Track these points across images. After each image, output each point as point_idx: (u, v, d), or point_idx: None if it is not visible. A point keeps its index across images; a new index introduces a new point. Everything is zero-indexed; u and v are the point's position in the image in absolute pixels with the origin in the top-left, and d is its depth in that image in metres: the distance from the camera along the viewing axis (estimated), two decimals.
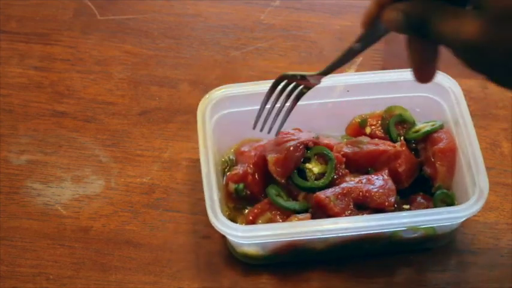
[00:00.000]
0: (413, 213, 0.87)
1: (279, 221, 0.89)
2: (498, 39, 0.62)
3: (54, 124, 1.01)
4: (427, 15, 0.65)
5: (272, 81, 0.93)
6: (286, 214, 0.89)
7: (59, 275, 0.91)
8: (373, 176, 0.89)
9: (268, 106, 0.89)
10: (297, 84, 0.86)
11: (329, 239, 0.88)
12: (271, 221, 0.89)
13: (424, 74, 0.70)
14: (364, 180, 0.89)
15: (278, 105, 0.88)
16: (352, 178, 0.90)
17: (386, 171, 0.90)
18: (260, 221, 0.89)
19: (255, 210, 0.89)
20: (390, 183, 0.89)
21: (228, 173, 0.92)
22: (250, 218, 0.89)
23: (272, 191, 0.90)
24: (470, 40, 0.63)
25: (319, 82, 0.85)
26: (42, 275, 0.91)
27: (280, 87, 0.87)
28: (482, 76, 0.66)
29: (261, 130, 0.90)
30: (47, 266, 0.91)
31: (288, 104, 0.88)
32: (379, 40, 0.73)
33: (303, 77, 0.85)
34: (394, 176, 0.90)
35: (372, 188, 0.88)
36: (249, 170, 0.91)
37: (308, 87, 0.86)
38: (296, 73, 0.86)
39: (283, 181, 0.90)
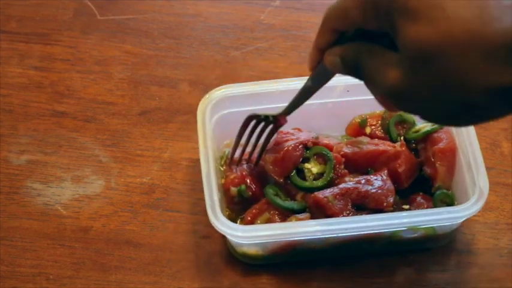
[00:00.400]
0: (413, 213, 0.87)
1: (278, 221, 0.89)
2: (416, 85, 0.61)
3: (54, 124, 1.01)
4: (359, 59, 0.66)
5: (272, 81, 0.93)
6: (285, 214, 0.89)
7: (59, 275, 0.91)
8: (372, 176, 0.89)
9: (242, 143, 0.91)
10: (266, 124, 0.89)
11: (329, 239, 0.88)
12: (269, 221, 0.89)
13: (391, 108, 0.71)
14: (363, 181, 0.89)
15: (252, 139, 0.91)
16: (351, 178, 0.90)
17: (386, 171, 0.90)
18: (259, 222, 0.89)
19: (253, 211, 0.89)
20: (389, 184, 0.89)
21: (225, 179, 0.92)
22: (249, 218, 0.89)
23: (270, 190, 0.90)
24: (393, 86, 0.63)
25: (285, 121, 0.88)
26: (42, 275, 0.91)
27: (250, 126, 0.90)
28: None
29: (237, 165, 0.92)
30: (47, 266, 0.91)
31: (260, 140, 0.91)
32: (332, 77, 0.75)
33: (268, 118, 0.88)
34: (394, 176, 0.90)
35: (371, 189, 0.88)
36: (245, 172, 0.91)
37: (276, 127, 0.89)
38: (262, 114, 0.88)
39: (281, 181, 0.90)
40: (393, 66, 0.62)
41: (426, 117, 0.65)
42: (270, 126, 0.89)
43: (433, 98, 0.61)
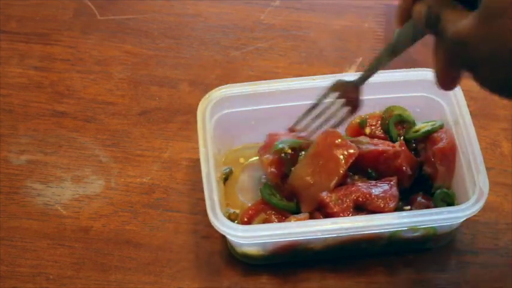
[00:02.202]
0: (413, 213, 0.87)
1: (275, 221, 0.89)
2: (484, 36, 0.64)
3: (54, 124, 1.01)
4: (442, 10, 0.68)
5: (272, 81, 0.93)
6: (281, 214, 0.89)
7: (59, 275, 0.91)
8: (379, 181, 0.90)
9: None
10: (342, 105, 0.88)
11: (329, 239, 0.88)
12: (266, 221, 0.89)
13: (447, 81, 0.72)
14: (369, 184, 0.89)
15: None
16: (358, 179, 0.90)
17: (396, 178, 0.90)
18: (256, 222, 0.89)
19: (249, 212, 0.89)
20: (394, 190, 0.89)
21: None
22: (245, 219, 0.89)
23: (266, 191, 0.90)
24: (461, 34, 0.66)
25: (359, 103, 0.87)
26: (42, 275, 0.91)
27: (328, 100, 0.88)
28: (467, 73, 0.68)
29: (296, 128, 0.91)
30: (47, 266, 0.91)
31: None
32: (419, 38, 0.74)
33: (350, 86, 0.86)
34: (397, 175, 0.91)
35: (374, 191, 0.88)
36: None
37: (351, 111, 0.88)
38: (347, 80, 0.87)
39: (277, 182, 0.90)
40: (469, 16, 0.65)
41: (479, 76, 0.67)
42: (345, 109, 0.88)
43: (499, 53, 0.64)
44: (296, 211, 0.89)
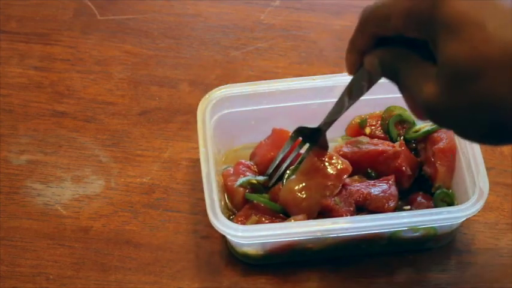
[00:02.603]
0: (413, 213, 0.87)
1: (266, 222, 0.89)
2: (452, 103, 0.61)
3: (54, 124, 1.01)
4: (397, 65, 0.66)
5: (271, 81, 0.94)
6: (271, 215, 0.89)
7: (59, 275, 0.91)
8: (377, 181, 0.90)
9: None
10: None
11: (329, 239, 0.88)
12: (259, 221, 0.89)
13: (418, 115, 0.69)
14: (367, 183, 0.89)
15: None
16: (357, 179, 0.90)
17: (394, 177, 0.90)
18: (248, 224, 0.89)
19: (239, 219, 0.89)
20: (393, 189, 0.89)
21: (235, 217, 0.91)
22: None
23: (254, 196, 0.90)
24: (429, 101, 0.62)
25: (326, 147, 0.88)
26: (42, 275, 0.91)
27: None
28: None
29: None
30: (47, 266, 0.91)
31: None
32: (374, 83, 0.74)
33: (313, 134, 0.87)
34: (396, 175, 0.91)
35: (373, 191, 0.88)
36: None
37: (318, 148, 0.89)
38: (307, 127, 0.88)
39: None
40: (430, 80, 0.62)
41: (460, 134, 0.64)
42: (306, 146, 0.89)
43: (469, 118, 0.61)
44: (286, 213, 0.89)
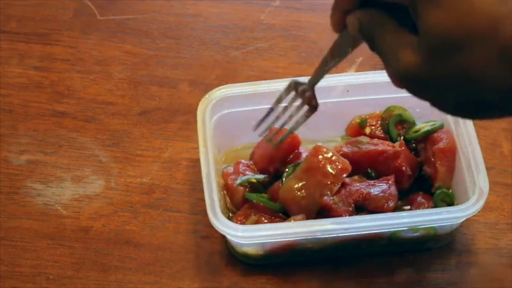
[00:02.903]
0: (413, 213, 0.87)
1: (266, 222, 0.89)
2: (432, 73, 0.59)
3: (54, 124, 1.01)
4: (375, 30, 0.64)
5: (271, 81, 0.93)
6: (270, 214, 0.89)
7: (59, 275, 0.91)
8: (377, 181, 0.90)
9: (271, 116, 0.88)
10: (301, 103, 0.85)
11: (329, 239, 0.88)
12: (258, 222, 0.89)
13: (397, 83, 0.67)
14: (367, 183, 0.89)
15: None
16: (357, 179, 0.90)
17: (394, 177, 0.90)
18: (248, 224, 0.89)
19: (239, 218, 0.89)
20: (393, 189, 0.89)
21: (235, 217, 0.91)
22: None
23: (253, 195, 0.90)
24: (408, 70, 0.61)
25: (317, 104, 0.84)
26: (42, 275, 0.91)
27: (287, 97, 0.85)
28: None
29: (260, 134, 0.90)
30: (47, 266, 0.91)
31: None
32: (352, 50, 0.72)
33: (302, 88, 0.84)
34: (396, 175, 0.91)
35: (373, 191, 0.88)
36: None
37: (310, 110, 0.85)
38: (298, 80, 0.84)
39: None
40: (411, 49, 0.60)
41: (436, 105, 0.63)
42: (305, 108, 0.85)
43: (448, 89, 0.59)
44: (285, 212, 0.89)
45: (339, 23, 0.69)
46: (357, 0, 0.66)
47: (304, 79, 0.83)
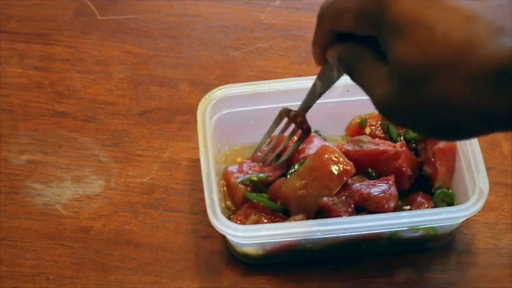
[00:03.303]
0: (413, 213, 0.87)
1: (266, 222, 0.89)
2: (404, 104, 0.61)
3: (54, 124, 1.01)
4: (352, 62, 0.66)
5: (271, 81, 0.94)
6: (270, 214, 0.89)
7: (59, 275, 0.91)
8: (377, 181, 0.90)
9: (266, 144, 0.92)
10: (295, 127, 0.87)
11: (329, 239, 0.88)
12: (258, 222, 0.89)
13: None
14: (367, 183, 0.89)
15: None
16: (357, 179, 0.90)
17: (394, 177, 0.90)
18: (248, 224, 0.89)
19: (239, 218, 0.89)
20: (393, 190, 0.89)
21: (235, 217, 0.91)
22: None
23: (253, 195, 0.90)
24: (381, 102, 0.63)
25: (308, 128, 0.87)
26: (42, 275, 0.91)
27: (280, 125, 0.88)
28: None
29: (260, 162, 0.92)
30: (47, 266, 0.91)
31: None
32: (340, 75, 0.74)
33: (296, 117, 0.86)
34: (397, 176, 0.91)
35: (373, 191, 0.88)
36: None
37: (304, 134, 0.88)
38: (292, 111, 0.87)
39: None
40: (382, 80, 0.62)
41: (414, 131, 0.65)
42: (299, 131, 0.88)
43: (421, 117, 0.61)
44: (285, 212, 0.89)
45: (320, 56, 0.71)
46: (333, 37, 0.68)
47: (295, 106, 0.86)
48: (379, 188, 0.89)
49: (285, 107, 0.87)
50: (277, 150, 0.91)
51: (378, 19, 0.61)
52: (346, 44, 0.67)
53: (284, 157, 0.90)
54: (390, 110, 0.62)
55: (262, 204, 0.90)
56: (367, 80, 0.64)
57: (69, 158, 0.99)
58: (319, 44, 0.70)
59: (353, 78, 0.67)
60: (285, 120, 0.87)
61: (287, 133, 0.89)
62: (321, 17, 0.67)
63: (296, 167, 0.91)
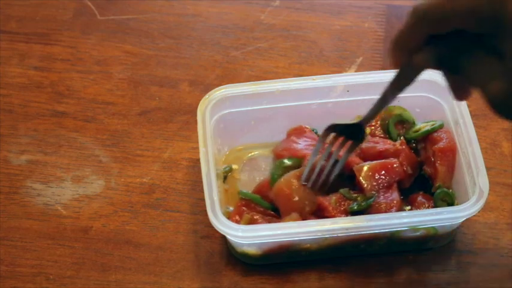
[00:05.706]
0: (414, 213, 0.87)
1: (260, 221, 0.89)
2: None
3: (54, 124, 1.01)
4: (458, 60, 0.66)
5: (271, 81, 0.94)
6: (264, 214, 0.89)
7: (59, 275, 0.91)
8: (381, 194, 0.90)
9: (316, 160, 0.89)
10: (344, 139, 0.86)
11: (329, 239, 0.88)
12: (252, 221, 0.89)
13: (461, 96, 0.72)
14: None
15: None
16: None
17: (396, 183, 0.90)
18: (242, 223, 0.89)
19: (235, 217, 0.89)
20: (395, 195, 0.89)
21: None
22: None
23: (247, 193, 0.90)
24: (497, 98, 0.63)
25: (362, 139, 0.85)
26: (42, 275, 0.91)
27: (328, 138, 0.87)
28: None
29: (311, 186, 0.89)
30: (47, 266, 0.91)
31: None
32: (415, 80, 0.73)
33: (348, 128, 0.85)
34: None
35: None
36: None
37: (356, 144, 0.86)
38: (343, 124, 0.85)
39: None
40: (497, 77, 0.63)
41: None
42: (348, 142, 0.86)
43: None
44: (275, 210, 0.90)
45: (402, 60, 0.70)
46: (424, 39, 0.68)
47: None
48: (380, 194, 0.89)
49: (334, 124, 0.85)
50: (323, 177, 0.88)
51: (493, 18, 0.61)
52: (447, 43, 0.67)
53: (336, 171, 0.88)
54: (505, 105, 0.63)
55: (254, 202, 0.90)
56: (480, 76, 0.64)
57: (69, 158, 0.99)
58: (407, 49, 0.69)
59: (459, 75, 0.67)
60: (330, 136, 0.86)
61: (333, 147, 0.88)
62: (419, 22, 0.67)
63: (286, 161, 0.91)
